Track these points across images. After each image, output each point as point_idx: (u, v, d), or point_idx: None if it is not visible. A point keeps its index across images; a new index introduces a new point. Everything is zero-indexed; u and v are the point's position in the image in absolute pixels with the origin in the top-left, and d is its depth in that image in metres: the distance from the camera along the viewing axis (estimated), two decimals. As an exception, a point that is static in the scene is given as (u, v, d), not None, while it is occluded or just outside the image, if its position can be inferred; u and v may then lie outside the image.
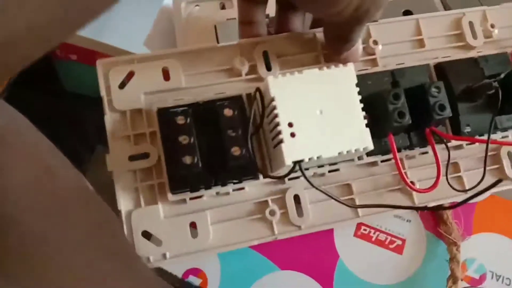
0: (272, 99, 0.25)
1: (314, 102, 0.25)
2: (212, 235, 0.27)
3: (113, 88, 0.28)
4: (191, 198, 0.27)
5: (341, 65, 0.26)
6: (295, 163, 0.24)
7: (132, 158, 0.27)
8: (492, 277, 0.32)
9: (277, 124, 0.25)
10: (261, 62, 0.29)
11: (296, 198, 0.28)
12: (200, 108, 0.27)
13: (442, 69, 0.30)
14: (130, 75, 0.28)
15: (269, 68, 0.29)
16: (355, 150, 0.25)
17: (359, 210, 0.29)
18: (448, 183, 0.28)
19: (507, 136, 0.31)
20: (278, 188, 0.29)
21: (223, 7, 0.34)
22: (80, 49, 0.38)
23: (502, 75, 0.28)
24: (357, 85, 0.26)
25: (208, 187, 0.27)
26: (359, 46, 0.29)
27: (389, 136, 0.28)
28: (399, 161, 0.28)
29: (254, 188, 0.28)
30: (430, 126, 0.28)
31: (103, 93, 0.28)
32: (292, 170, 0.25)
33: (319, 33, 0.30)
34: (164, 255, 0.27)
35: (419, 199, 0.30)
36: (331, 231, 0.32)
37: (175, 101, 0.28)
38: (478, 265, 0.32)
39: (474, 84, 0.28)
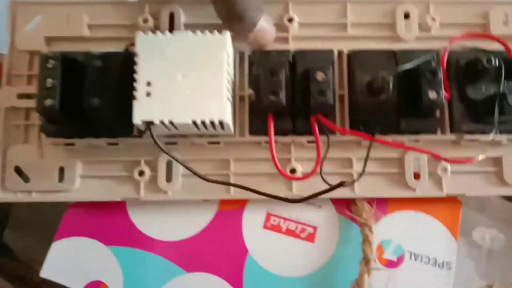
0: (136, 55, 0.24)
1: (178, 65, 0.24)
2: (79, 183, 0.28)
3: (18, 28, 0.29)
4: (64, 144, 0.28)
5: (216, 32, 0.25)
6: (146, 123, 0.24)
7: (20, 96, 0.28)
8: (410, 257, 0.29)
9: (135, 81, 0.24)
10: (166, 23, 0.29)
11: (169, 165, 0.28)
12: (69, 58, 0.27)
13: (350, 58, 0.28)
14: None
15: (171, 30, 0.29)
16: (210, 121, 0.24)
17: (231, 188, 0.28)
18: (321, 174, 0.26)
19: (418, 141, 0.28)
20: (154, 151, 0.28)
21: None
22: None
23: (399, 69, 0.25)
24: (228, 55, 0.24)
25: (81, 135, 0.27)
26: (265, 26, 0.27)
27: (269, 116, 0.26)
28: (273, 143, 0.26)
29: (128, 147, 0.28)
30: (314, 113, 0.26)
31: (8, 30, 0.29)
32: (144, 131, 0.24)
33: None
34: (29, 192, 0.28)
35: (298, 188, 0.28)
36: (239, 225, 0.30)
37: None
38: (396, 246, 0.29)
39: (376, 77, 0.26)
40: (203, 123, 0.24)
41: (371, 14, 0.30)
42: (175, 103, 0.24)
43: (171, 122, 0.24)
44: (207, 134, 0.27)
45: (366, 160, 0.26)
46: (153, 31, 0.25)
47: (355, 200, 0.29)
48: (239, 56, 0.28)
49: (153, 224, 0.29)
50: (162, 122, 0.24)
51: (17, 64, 0.29)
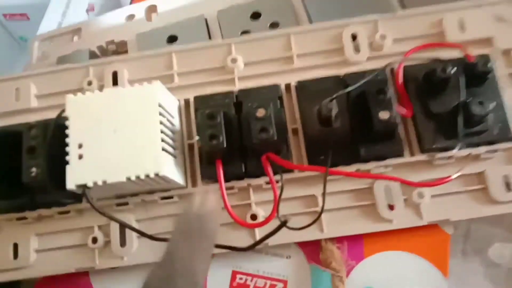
0: (66, 118, 0.24)
1: (109, 123, 0.23)
2: (34, 258, 0.27)
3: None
4: (17, 219, 0.27)
5: (146, 83, 0.24)
6: (80, 187, 0.23)
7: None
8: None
9: (67, 145, 0.23)
10: (109, 82, 0.29)
11: (123, 228, 0.26)
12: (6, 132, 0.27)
13: (297, 89, 0.26)
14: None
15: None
16: (145, 175, 0.22)
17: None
18: (278, 217, 0.24)
19: (387, 166, 0.26)
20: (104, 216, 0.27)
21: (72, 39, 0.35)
22: None
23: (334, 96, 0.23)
24: (160, 105, 0.23)
25: (31, 208, 0.26)
26: None
27: (217, 162, 0.25)
28: (224, 191, 0.24)
29: (80, 214, 0.27)
30: (263, 152, 0.24)
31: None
32: (83, 194, 0.23)
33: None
34: (-16, 274, 0.27)
35: (262, 234, 0.25)
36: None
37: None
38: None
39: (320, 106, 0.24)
40: (138, 178, 0.23)
41: (316, 42, 0.28)
42: (108, 161, 0.23)
43: (104, 182, 0.23)
44: (158, 189, 0.26)
45: (323, 195, 0.24)
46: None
47: (323, 246, 0.26)
48: (185, 103, 0.28)
49: (116, 291, 0.27)
50: (96, 184, 0.23)
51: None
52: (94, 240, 0.26)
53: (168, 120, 0.25)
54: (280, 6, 0.31)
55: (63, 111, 0.25)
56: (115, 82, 0.29)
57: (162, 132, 0.23)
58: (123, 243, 0.26)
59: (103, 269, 0.27)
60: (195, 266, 0.18)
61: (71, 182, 0.23)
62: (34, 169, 0.24)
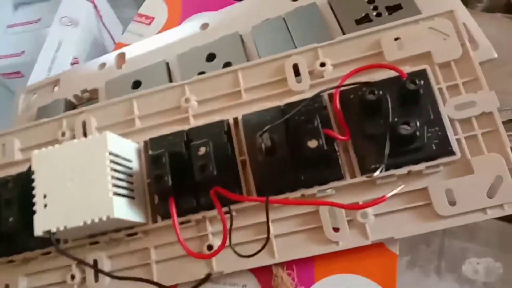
0: (32, 172, 0.27)
1: (68, 172, 0.26)
2: (25, 300, 0.30)
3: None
4: (7, 262, 0.30)
5: (97, 134, 0.26)
6: (47, 233, 0.25)
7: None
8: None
9: (34, 196, 0.26)
10: (80, 132, 0.31)
11: (96, 264, 0.29)
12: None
13: (243, 122, 0.28)
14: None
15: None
16: (99, 219, 0.25)
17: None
18: (231, 246, 0.25)
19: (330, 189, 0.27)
20: (81, 253, 0.29)
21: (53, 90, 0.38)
22: None
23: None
24: (111, 154, 0.26)
25: (17, 252, 0.30)
26: None
27: (170, 199, 0.27)
28: (177, 225, 0.26)
29: (56, 256, 0.30)
30: (212, 186, 0.26)
31: None
32: (50, 239, 0.26)
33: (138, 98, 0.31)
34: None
35: (219, 264, 0.27)
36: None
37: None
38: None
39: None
40: (93, 221, 0.25)
41: (262, 75, 0.30)
42: (67, 209, 0.25)
43: (65, 227, 0.25)
44: (122, 227, 0.28)
45: (267, 223, 0.25)
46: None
47: (274, 273, 0.27)
48: (145, 144, 0.30)
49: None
50: (58, 229, 0.25)
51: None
52: (72, 277, 0.29)
53: (122, 164, 0.27)
54: (233, 47, 0.33)
55: (30, 166, 0.28)
56: (84, 132, 0.32)
57: (114, 177, 0.26)
58: (96, 279, 0.29)
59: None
60: None
61: (39, 229, 0.26)
62: (11, 219, 0.28)
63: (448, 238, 0.29)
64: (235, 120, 0.29)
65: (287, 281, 0.26)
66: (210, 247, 0.28)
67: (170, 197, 0.27)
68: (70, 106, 0.36)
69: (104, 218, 0.25)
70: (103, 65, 0.38)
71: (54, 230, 0.25)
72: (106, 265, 0.29)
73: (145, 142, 0.30)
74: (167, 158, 0.26)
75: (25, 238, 0.29)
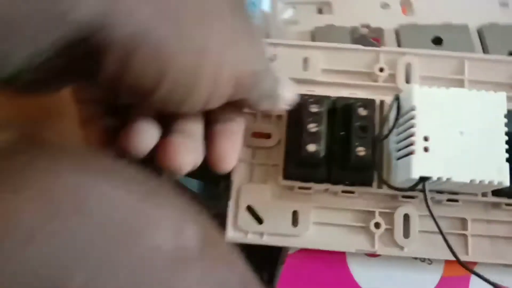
0: (412, 108, 0.24)
1: (456, 122, 0.24)
2: (311, 230, 0.27)
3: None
4: (299, 187, 0.27)
5: (492, 91, 0.24)
6: (421, 178, 0.23)
7: (254, 135, 0.28)
8: None
9: (411, 135, 0.24)
10: (402, 73, 0.29)
11: (406, 219, 0.27)
12: (332, 103, 0.27)
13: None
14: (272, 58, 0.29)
15: (408, 81, 0.29)
16: (489, 182, 0.23)
17: (470, 248, 0.27)
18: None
19: None
20: (388, 203, 0.27)
21: (320, 11, 0.34)
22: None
23: None
24: (506, 116, 0.24)
25: (319, 180, 0.27)
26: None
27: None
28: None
29: (363, 196, 0.27)
30: None
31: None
32: (415, 186, 0.24)
33: (469, 59, 0.29)
34: (261, 234, 0.27)
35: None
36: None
37: (307, 91, 0.28)
38: None
39: None
40: (481, 182, 0.23)
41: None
42: (454, 160, 0.23)
43: (448, 180, 0.23)
44: (455, 191, 0.26)
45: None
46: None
47: None
48: None
49: (372, 279, 0.28)
50: (439, 179, 0.23)
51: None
52: (377, 225, 0.27)
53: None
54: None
55: (397, 98, 0.25)
56: (406, 76, 0.29)
57: (506, 142, 0.24)
58: (406, 234, 0.27)
59: (362, 253, 0.27)
60: None
61: (416, 172, 0.23)
62: (362, 148, 0.25)
63: None
64: None
65: None
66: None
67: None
68: (357, 39, 0.33)
69: (495, 183, 0.23)
70: (386, 5, 0.35)
71: (434, 178, 0.23)
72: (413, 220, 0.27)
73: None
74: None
75: (344, 170, 0.26)
